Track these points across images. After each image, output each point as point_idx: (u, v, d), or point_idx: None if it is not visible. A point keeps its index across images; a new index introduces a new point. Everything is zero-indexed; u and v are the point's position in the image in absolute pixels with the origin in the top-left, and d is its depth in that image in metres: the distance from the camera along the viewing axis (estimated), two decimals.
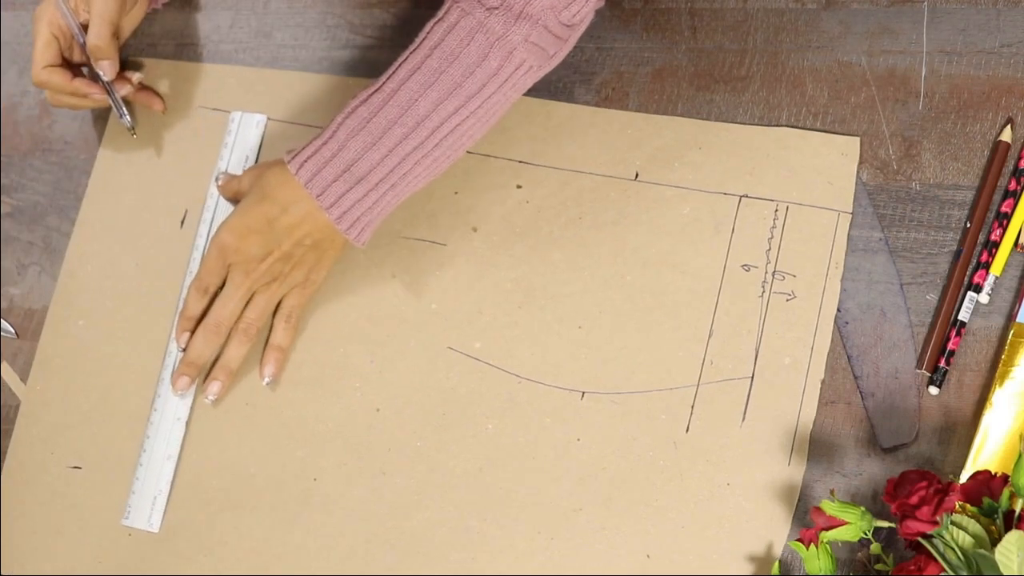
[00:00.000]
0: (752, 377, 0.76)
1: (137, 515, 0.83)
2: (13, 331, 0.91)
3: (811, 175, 0.78)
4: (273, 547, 0.80)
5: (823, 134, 0.79)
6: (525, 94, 0.79)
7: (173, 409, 0.84)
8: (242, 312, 0.82)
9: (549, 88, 0.84)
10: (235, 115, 0.89)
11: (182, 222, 0.88)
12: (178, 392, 0.83)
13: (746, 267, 0.78)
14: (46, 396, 0.87)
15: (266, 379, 0.82)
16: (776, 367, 0.75)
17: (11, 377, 0.89)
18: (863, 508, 0.68)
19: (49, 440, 0.86)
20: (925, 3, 0.80)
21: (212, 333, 0.81)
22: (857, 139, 0.78)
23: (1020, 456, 0.66)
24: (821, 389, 0.75)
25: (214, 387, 0.83)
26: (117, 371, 0.86)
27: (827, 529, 0.68)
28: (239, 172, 0.87)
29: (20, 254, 0.92)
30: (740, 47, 0.82)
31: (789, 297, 0.76)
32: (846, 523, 0.68)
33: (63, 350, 0.88)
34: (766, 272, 0.77)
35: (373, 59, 0.88)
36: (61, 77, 0.86)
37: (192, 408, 0.84)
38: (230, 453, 0.83)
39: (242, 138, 0.89)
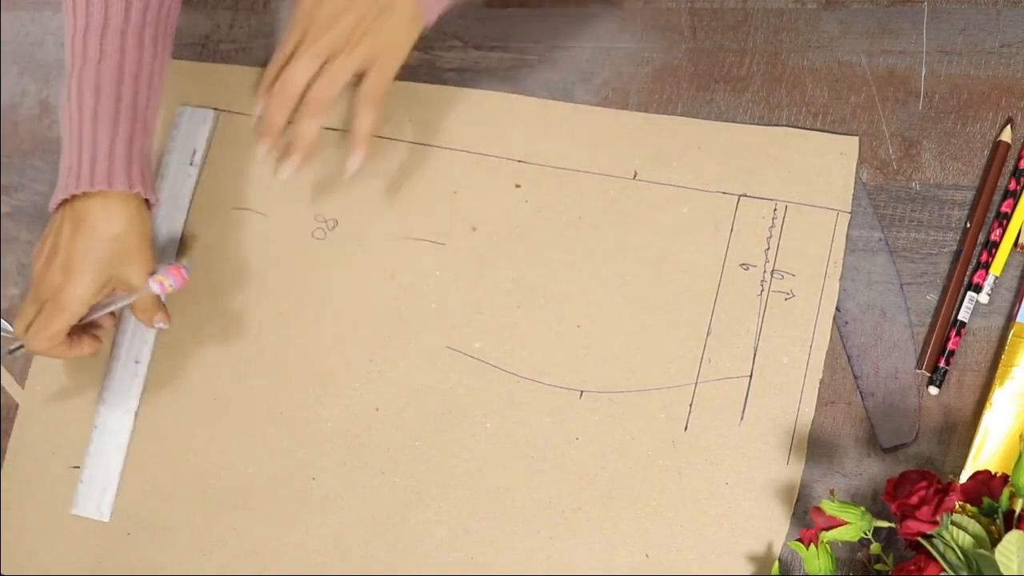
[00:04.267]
0: (750, 376, 0.76)
1: (85, 504, 0.84)
2: (13, 331, 0.91)
3: (810, 175, 0.78)
4: (272, 547, 0.80)
5: (822, 134, 0.79)
6: (519, 69, 0.79)
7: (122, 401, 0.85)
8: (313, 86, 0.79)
9: (549, 88, 0.84)
10: (182, 110, 0.90)
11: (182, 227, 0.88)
12: (264, 152, 0.79)
13: (745, 266, 0.78)
14: (45, 396, 0.87)
15: (351, 168, 0.79)
16: (775, 366, 0.75)
17: (9, 381, 0.89)
18: (863, 508, 0.68)
19: (48, 440, 0.86)
20: (925, 3, 0.80)
21: (281, 96, 0.79)
22: (856, 139, 0.78)
23: (1020, 456, 0.66)
24: (820, 389, 0.75)
25: (288, 163, 0.80)
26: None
27: (827, 529, 0.68)
28: (185, 168, 0.87)
29: (20, 254, 0.92)
30: (740, 47, 0.82)
31: (788, 296, 0.76)
32: (846, 523, 0.68)
33: None
34: (765, 271, 0.77)
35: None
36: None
37: (141, 403, 0.85)
38: (229, 452, 0.83)
39: (188, 133, 0.89)
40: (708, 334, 0.77)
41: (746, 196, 0.79)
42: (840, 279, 0.76)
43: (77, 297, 0.78)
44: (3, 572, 0.85)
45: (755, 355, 0.76)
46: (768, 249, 0.77)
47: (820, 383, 0.75)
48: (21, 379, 0.89)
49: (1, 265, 0.92)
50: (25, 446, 0.87)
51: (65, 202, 0.79)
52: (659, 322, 0.78)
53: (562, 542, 0.76)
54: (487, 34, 0.87)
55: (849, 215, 0.77)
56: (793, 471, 0.74)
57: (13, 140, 0.95)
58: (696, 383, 0.76)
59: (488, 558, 0.77)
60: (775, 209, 0.78)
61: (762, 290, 0.77)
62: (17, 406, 0.88)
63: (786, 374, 0.75)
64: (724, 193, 0.79)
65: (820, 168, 0.78)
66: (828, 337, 0.75)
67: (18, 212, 0.93)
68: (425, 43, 0.87)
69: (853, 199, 0.77)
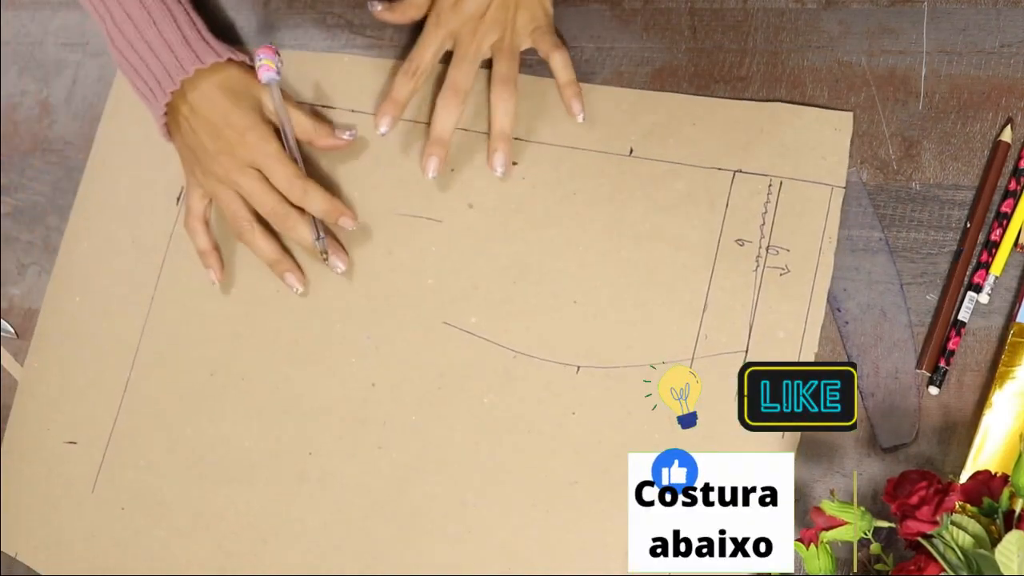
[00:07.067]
0: (746, 351, 0.76)
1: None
2: (13, 331, 0.91)
3: (805, 150, 0.78)
4: (270, 521, 0.81)
5: (817, 109, 0.79)
6: (521, 72, 0.81)
7: None
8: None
9: (547, 72, 0.84)
10: None
11: (178, 199, 0.88)
12: (431, 175, 0.81)
13: (740, 242, 0.78)
14: (43, 372, 0.88)
15: (500, 171, 0.81)
16: (770, 341, 0.75)
17: (8, 360, 0.89)
18: (863, 508, 0.68)
19: (45, 416, 0.87)
20: (925, 3, 0.80)
21: (454, 98, 0.80)
22: (850, 114, 0.78)
23: (1020, 456, 0.66)
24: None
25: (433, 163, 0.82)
26: (111, 347, 0.87)
27: (827, 529, 0.68)
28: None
29: (20, 254, 0.92)
30: (740, 47, 0.82)
31: (783, 271, 0.76)
32: (846, 523, 0.68)
33: (60, 326, 0.89)
34: (760, 247, 0.77)
35: (374, 59, 0.88)
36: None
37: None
38: (225, 428, 0.83)
39: None
40: (704, 309, 0.77)
41: (741, 172, 0.79)
42: (835, 254, 0.76)
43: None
44: (3, 549, 0.86)
45: (751, 330, 0.76)
46: (763, 224, 0.77)
47: (815, 357, 0.75)
48: (20, 358, 0.89)
49: (1, 265, 0.92)
50: (23, 423, 0.88)
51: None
52: (655, 298, 0.78)
53: (558, 516, 0.76)
54: None
55: (844, 190, 0.77)
56: (789, 443, 0.74)
57: (13, 140, 0.95)
58: (692, 358, 0.76)
59: (485, 532, 0.77)
60: (770, 185, 0.78)
61: (757, 265, 0.77)
62: (16, 384, 0.88)
63: (781, 348, 0.75)
64: (719, 169, 0.79)
65: (815, 144, 0.78)
66: (823, 312, 0.75)
67: (18, 212, 0.93)
68: None
69: (853, 199, 0.77)
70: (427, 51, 0.81)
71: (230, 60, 0.84)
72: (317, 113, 0.87)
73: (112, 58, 0.84)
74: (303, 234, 0.82)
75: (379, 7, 0.83)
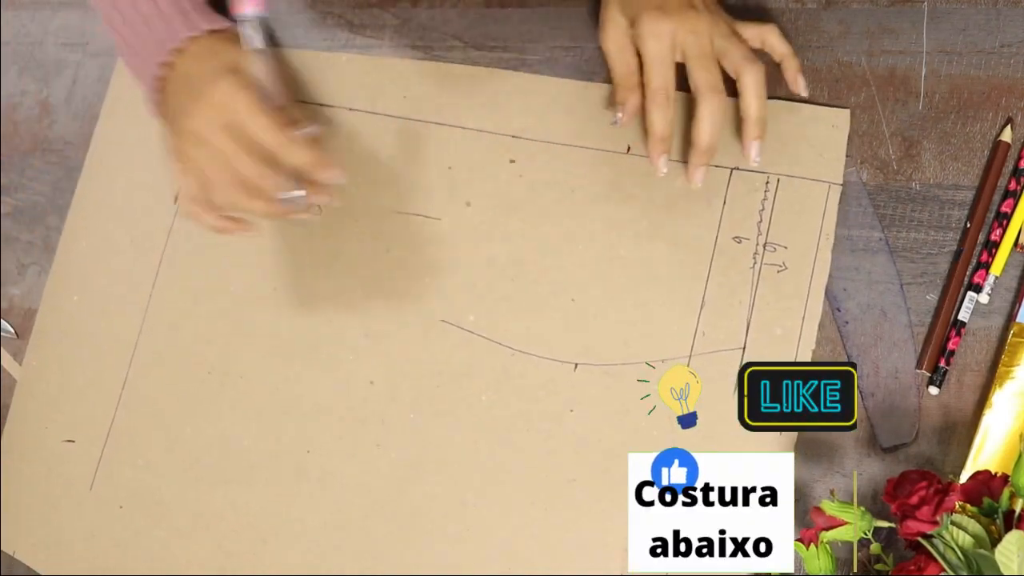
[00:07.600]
0: (744, 348, 0.76)
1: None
2: (13, 331, 0.91)
3: (802, 147, 0.78)
4: (270, 521, 0.81)
5: (814, 107, 0.79)
6: (519, 69, 0.80)
7: None
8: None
9: (547, 71, 0.84)
10: None
11: (175, 198, 0.88)
12: (663, 170, 0.78)
13: (737, 239, 0.78)
14: (42, 371, 0.88)
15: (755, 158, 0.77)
16: (767, 338, 0.75)
17: (7, 359, 0.90)
18: (863, 508, 0.68)
19: (44, 415, 0.87)
20: (925, 3, 0.80)
21: (713, 99, 0.75)
22: (847, 111, 0.78)
23: (1020, 456, 0.66)
24: (812, 359, 0.75)
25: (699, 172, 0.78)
26: (109, 346, 0.87)
27: (827, 529, 0.68)
28: None
29: (20, 254, 0.92)
30: None
31: (780, 268, 0.76)
32: (846, 523, 0.68)
33: (58, 325, 0.89)
34: (757, 244, 0.77)
35: (373, 58, 0.88)
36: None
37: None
38: (223, 427, 0.83)
39: None
40: (702, 307, 0.77)
41: (738, 169, 0.79)
42: (835, 254, 0.76)
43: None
44: (2, 548, 0.86)
45: (748, 327, 0.76)
46: (760, 222, 0.77)
47: (812, 354, 0.75)
48: (19, 357, 0.89)
49: (1, 265, 0.92)
50: (22, 422, 0.88)
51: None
52: (653, 295, 0.78)
53: (558, 515, 0.76)
54: (487, 34, 0.87)
55: (841, 187, 0.77)
56: (787, 441, 0.74)
57: (13, 140, 0.95)
58: (690, 356, 0.76)
59: (484, 531, 0.77)
60: (767, 182, 0.78)
61: (755, 263, 0.77)
62: (15, 384, 0.88)
63: (779, 345, 0.75)
64: (717, 166, 0.79)
65: (812, 141, 0.78)
66: (820, 309, 0.75)
67: (18, 212, 0.93)
68: (426, 44, 0.88)
69: (853, 199, 0.77)
70: (668, 71, 0.76)
71: (227, 30, 0.80)
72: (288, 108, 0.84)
73: (114, 43, 0.82)
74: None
75: (621, 117, 0.79)
